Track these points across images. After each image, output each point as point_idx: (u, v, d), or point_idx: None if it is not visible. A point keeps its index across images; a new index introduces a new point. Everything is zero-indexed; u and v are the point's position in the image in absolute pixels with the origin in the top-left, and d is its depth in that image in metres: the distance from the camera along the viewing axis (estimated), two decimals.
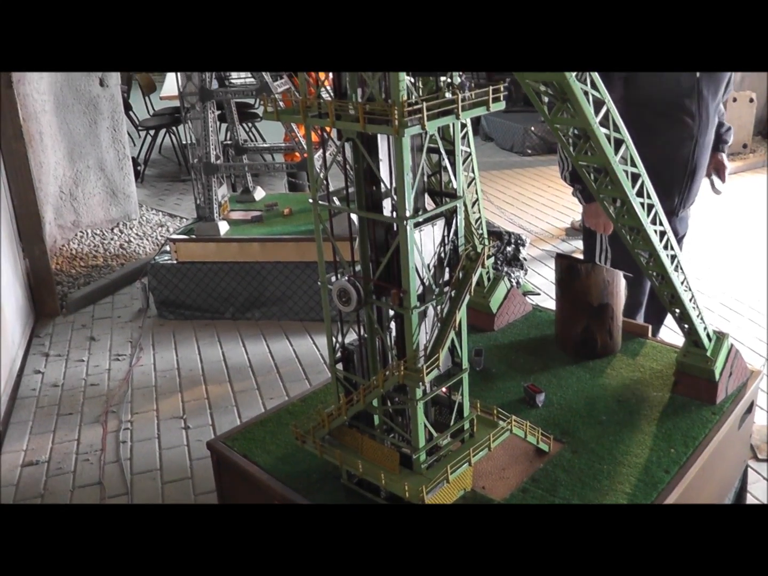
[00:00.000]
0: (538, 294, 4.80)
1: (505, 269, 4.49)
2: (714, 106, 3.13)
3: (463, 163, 2.34)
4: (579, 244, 6.08)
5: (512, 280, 4.45)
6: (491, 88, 1.61)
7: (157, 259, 5.00)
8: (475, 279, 1.78)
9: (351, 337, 2.02)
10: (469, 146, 2.36)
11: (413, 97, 1.59)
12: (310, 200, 1.79)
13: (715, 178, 3.43)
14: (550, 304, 4.24)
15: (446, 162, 1.71)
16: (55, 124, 5.83)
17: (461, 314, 1.81)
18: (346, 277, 1.81)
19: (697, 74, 3.01)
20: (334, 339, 2.00)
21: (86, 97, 6.10)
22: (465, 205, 2.43)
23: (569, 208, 6.92)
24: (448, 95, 1.67)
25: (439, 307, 1.83)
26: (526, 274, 4.72)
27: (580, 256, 5.91)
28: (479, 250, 1.84)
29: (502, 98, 1.65)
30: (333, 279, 1.88)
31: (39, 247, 4.94)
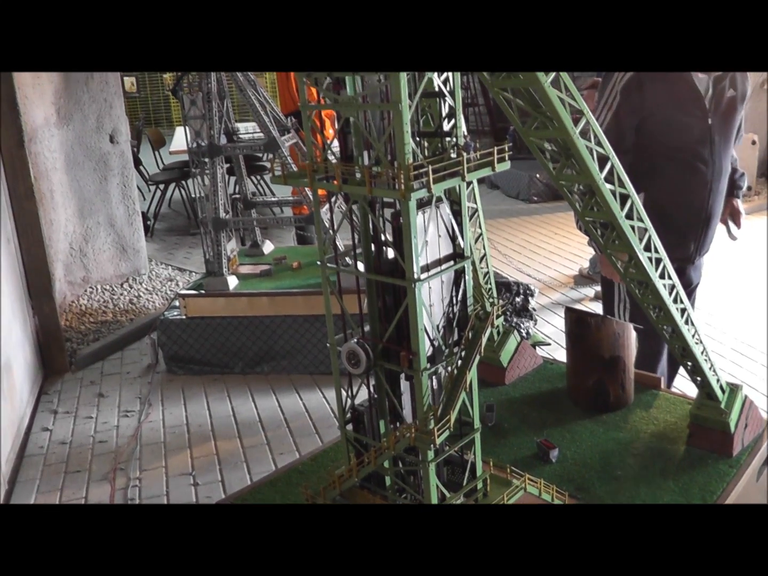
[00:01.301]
0: (549, 344, 4.78)
1: (515, 320, 4.47)
2: (726, 152, 3.12)
3: (470, 219, 2.34)
4: (588, 291, 6.07)
5: (522, 331, 4.43)
6: (496, 148, 1.62)
7: (166, 314, 5.01)
8: (484, 339, 1.77)
9: (362, 393, 2.00)
10: (475, 202, 2.37)
11: (419, 158, 1.60)
12: (319, 262, 1.79)
13: (731, 224, 3.40)
14: (561, 353, 4.21)
15: (453, 222, 1.72)
16: (66, 181, 5.91)
17: (472, 374, 1.80)
18: (355, 339, 1.80)
19: (709, 120, 3.00)
20: (344, 400, 1.99)
21: (96, 154, 6.19)
22: (473, 262, 2.43)
23: (577, 255, 6.93)
24: (453, 155, 1.69)
25: (449, 368, 1.82)
26: (535, 324, 4.71)
27: (590, 304, 5.92)
28: (488, 309, 1.84)
29: (507, 158, 1.66)
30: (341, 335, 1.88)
31: (48, 304, 4.96)
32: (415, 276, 1.61)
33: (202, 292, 4.92)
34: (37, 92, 5.55)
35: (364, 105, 1.60)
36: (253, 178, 8.78)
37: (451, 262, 1.75)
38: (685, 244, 3.17)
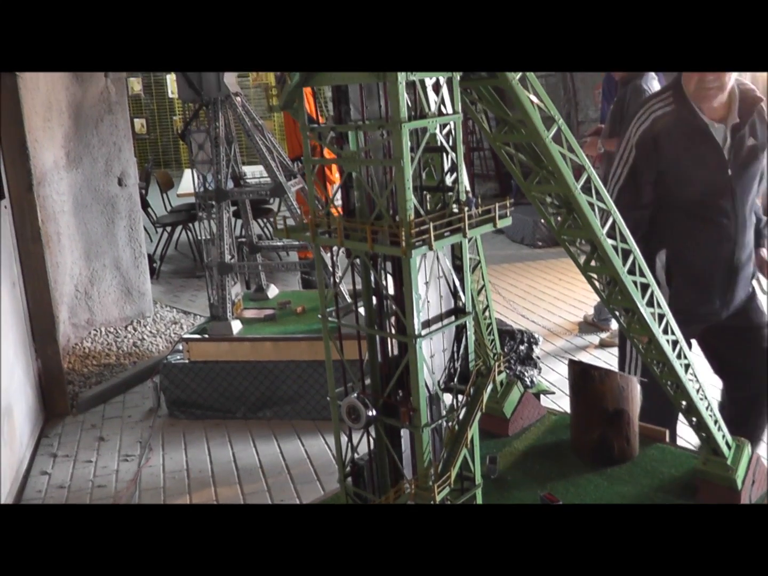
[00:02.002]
0: (553, 393, 4.74)
1: (519, 368, 4.45)
2: (749, 203, 3.01)
3: (473, 271, 2.34)
4: (593, 338, 6.05)
5: (526, 379, 4.40)
6: (497, 204, 1.62)
7: (169, 358, 5.00)
8: (486, 396, 1.75)
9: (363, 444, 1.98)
10: (478, 253, 2.37)
11: (421, 211, 1.61)
12: (320, 316, 1.79)
13: (760, 276, 3.24)
14: (566, 401, 4.18)
15: (455, 277, 1.72)
16: (73, 224, 5.95)
17: (473, 431, 1.78)
18: (356, 394, 1.79)
19: (729, 172, 2.90)
20: (344, 453, 1.97)
21: (104, 196, 6.24)
22: (476, 313, 2.43)
23: (581, 302, 6.91)
24: (455, 209, 1.69)
25: (450, 423, 1.80)
26: (540, 372, 4.68)
27: (595, 352, 5.89)
28: (491, 364, 1.83)
29: (508, 214, 1.67)
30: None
31: (52, 347, 4.96)
32: (416, 332, 1.60)
33: (206, 336, 4.91)
34: (48, 135, 5.62)
35: (366, 160, 1.61)
36: (259, 221, 8.83)
37: (453, 318, 1.74)
38: (710, 300, 3.05)
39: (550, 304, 7.06)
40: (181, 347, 5.04)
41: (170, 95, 16.81)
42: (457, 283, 1.74)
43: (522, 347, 4.53)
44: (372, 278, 1.73)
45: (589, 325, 6.27)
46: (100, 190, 6.20)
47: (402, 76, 1.46)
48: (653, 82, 5.22)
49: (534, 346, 4.58)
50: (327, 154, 1.70)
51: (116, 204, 6.33)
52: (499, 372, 1.84)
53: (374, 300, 1.82)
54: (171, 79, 16.03)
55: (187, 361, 4.92)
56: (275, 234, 1.76)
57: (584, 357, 5.67)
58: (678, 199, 2.94)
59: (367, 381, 1.90)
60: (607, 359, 5.54)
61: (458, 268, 1.76)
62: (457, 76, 1.63)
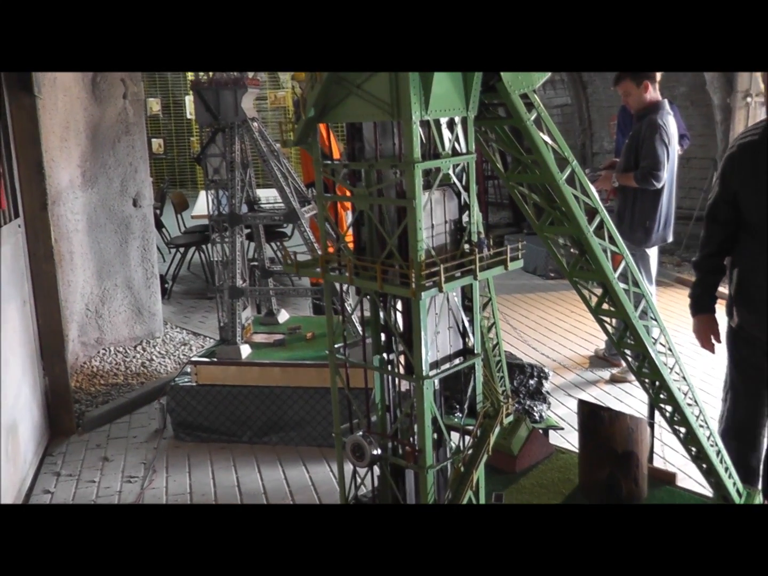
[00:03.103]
0: (562, 428, 4.70)
1: (528, 403, 4.41)
2: None
3: (484, 308, 2.33)
4: (604, 373, 5.99)
5: (535, 414, 4.36)
6: (509, 246, 1.61)
7: (177, 380, 4.99)
8: (493, 438, 1.73)
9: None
10: (489, 291, 2.36)
11: (432, 251, 1.59)
12: (327, 351, 1.77)
13: None
14: (574, 436, 4.13)
15: (464, 317, 1.70)
16: (87, 243, 5.97)
17: (479, 473, 1.75)
18: (361, 432, 1.77)
19: None
20: (347, 490, 1.94)
21: (119, 216, 6.27)
22: (485, 351, 2.41)
23: (593, 335, 6.86)
24: (466, 247, 1.68)
25: (456, 465, 1.77)
26: (549, 407, 4.63)
27: (606, 387, 5.83)
28: (498, 405, 1.80)
29: (520, 256, 1.65)
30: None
31: (60, 365, 4.96)
32: (424, 373, 1.58)
33: (214, 359, 4.90)
34: (64, 155, 5.66)
35: (378, 199, 1.60)
36: (272, 244, 8.85)
37: (462, 359, 1.72)
38: (762, 322, 3.03)
39: (561, 336, 7.02)
40: (189, 370, 5.03)
41: (188, 116, 16.93)
42: (467, 323, 1.72)
43: (532, 381, 4.50)
44: (381, 316, 1.72)
45: (599, 360, 6.22)
46: (115, 210, 6.23)
47: (416, 116, 1.46)
48: (669, 118, 5.22)
49: (544, 381, 4.55)
50: (339, 189, 1.69)
51: (130, 224, 6.36)
52: (507, 414, 1.81)
53: (383, 336, 1.80)
54: (189, 100, 16.18)
55: (194, 383, 4.90)
56: (285, 269, 1.75)
57: (594, 392, 5.62)
58: (745, 221, 3.01)
59: (373, 418, 1.88)
60: (618, 395, 5.49)
61: (468, 309, 1.75)
62: (472, 115, 1.63)
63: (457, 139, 1.64)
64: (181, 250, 8.72)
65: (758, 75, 2.82)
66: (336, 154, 1.71)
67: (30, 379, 4.62)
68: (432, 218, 1.67)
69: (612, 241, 1.77)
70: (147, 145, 6.74)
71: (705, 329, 3.02)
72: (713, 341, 3.08)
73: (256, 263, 5.57)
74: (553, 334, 7.08)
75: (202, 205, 7.45)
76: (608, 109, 10.18)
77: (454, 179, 1.64)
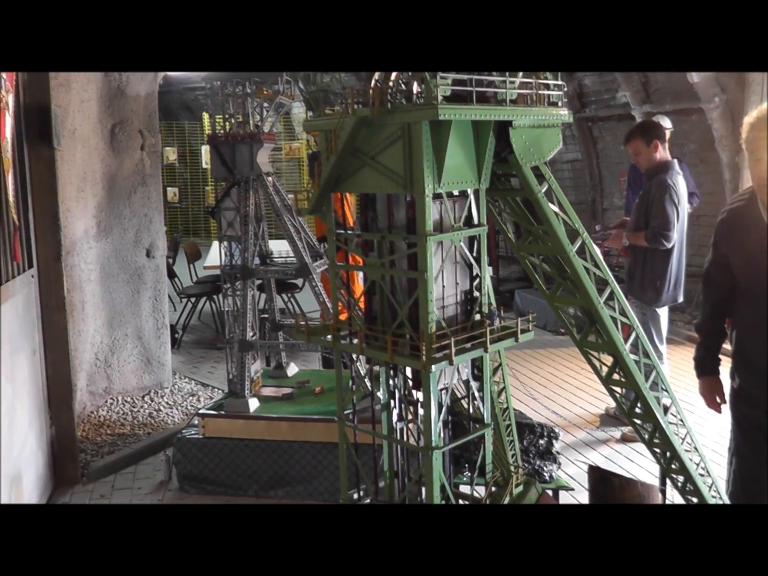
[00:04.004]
0: (572, 489, 4.63)
1: (537, 463, 4.36)
2: None
3: (494, 373, 2.32)
4: (615, 432, 5.92)
5: (545, 474, 4.30)
6: (519, 319, 1.61)
7: (184, 432, 4.96)
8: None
9: None
10: (499, 356, 2.35)
11: (443, 323, 1.60)
12: (336, 418, 1.77)
13: None
14: (585, 496, 4.06)
15: (474, 389, 1.70)
16: (99, 293, 6.01)
17: None
18: (368, 500, 1.75)
19: None
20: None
21: (132, 267, 6.32)
22: (495, 418, 2.39)
23: (603, 393, 6.78)
24: (477, 317, 1.68)
25: None
26: (559, 467, 4.57)
27: (616, 446, 5.76)
28: (508, 476, 1.79)
29: (530, 328, 1.65)
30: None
31: (67, 415, 4.95)
32: (433, 444, 1.57)
33: (222, 412, 4.88)
34: (80, 205, 5.74)
35: (390, 270, 1.61)
36: (283, 295, 8.88)
37: (472, 429, 1.71)
38: (761, 382, 3.03)
39: (572, 393, 6.96)
40: (196, 422, 5.01)
41: (204, 165, 17.12)
42: (476, 393, 1.72)
43: (542, 441, 4.45)
44: (391, 384, 1.71)
45: (610, 418, 6.15)
46: (128, 260, 6.28)
47: (429, 189, 1.48)
48: (678, 177, 5.25)
49: (554, 441, 4.49)
50: (352, 257, 1.71)
51: (143, 274, 6.40)
52: (518, 484, 1.79)
53: (392, 403, 1.80)
54: (205, 149, 16.39)
55: (201, 436, 4.88)
56: (294, 336, 1.76)
57: (605, 451, 5.55)
58: (739, 284, 3.05)
59: (381, 483, 1.86)
60: (629, 454, 5.43)
61: (477, 378, 1.75)
62: (484, 187, 1.65)
63: (469, 211, 1.66)
64: (193, 300, 8.75)
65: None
66: (350, 221, 1.73)
67: (36, 428, 4.61)
68: (443, 289, 1.68)
69: (623, 312, 1.77)
70: (162, 196, 6.83)
71: (710, 391, 3.09)
72: (718, 402, 3.12)
73: (266, 315, 5.58)
74: (564, 391, 7.03)
75: (215, 255, 7.49)
76: (618, 165, 10.26)
77: (465, 251, 1.66)
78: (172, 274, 8.54)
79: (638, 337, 1.83)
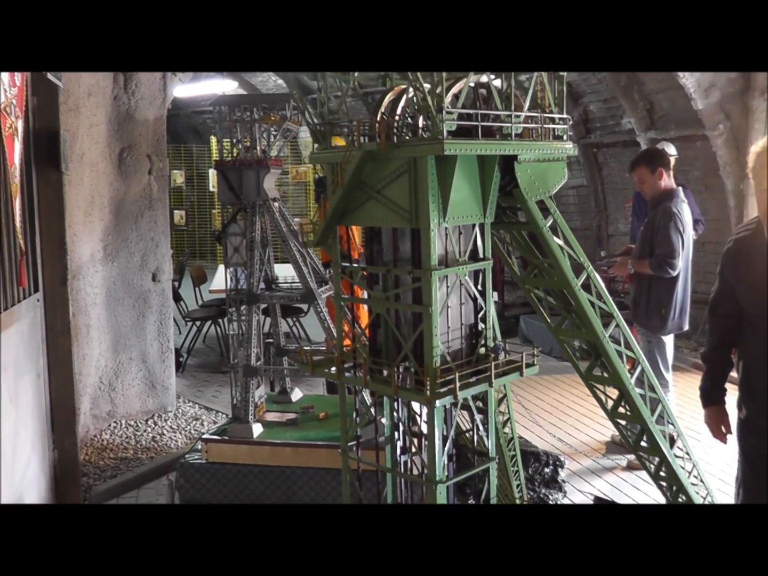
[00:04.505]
0: None
1: (543, 491, 4.34)
2: None
3: (499, 404, 2.31)
4: (621, 460, 5.88)
5: (550, 502, 4.28)
6: (525, 353, 1.61)
7: (187, 457, 4.94)
8: None
9: None
10: (504, 388, 2.35)
11: (447, 357, 1.60)
12: (340, 451, 1.76)
13: None
14: None
15: (478, 422, 1.69)
16: (104, 316, 6.02)
17: None
18: None
19: None
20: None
21: (137, 290, 6.33)
22: (500, 448, 2.38)
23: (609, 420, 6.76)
24: (482, 350, 1.68)
25: None
26: (564, 495, 4.55)
27: (622, 474, 5.71)
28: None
29: (535, 362, 1.65)
30: None
31: (70, 439, 4.93)
32: (438, 477, 1.56)
33: (225, 437, 4.86)
34: (87, 229, 5.77)
35: (395, 303, 1.61)
36: (288, 320, 8.87)
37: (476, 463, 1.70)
38: (764, 416, 3.04)
39: (577, 420, 6.92)
40: (199, 447, 4.99)
41: (211, 188, 17.18)
42: (481, 427, 1.71)
43: (547, 470, 4.43)
44: (395, 416, 1.71)
45: (616, 446, 6.11)
46: (134, 284, 6.30)
47: (434, 223, 1.48)
48: (683, 205, 5.26)
49: (559, 469, 4.48)
50: (357, 290, 1.71)
51: (148, 298, 6.42)
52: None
53: (396, 435, 1.79)
54: (213, 172, 16.46)
55: (204, 461, 4.86)
56: (300, 368, 1.76)
57: (611, 479, 5.51)
58: (745, 314, 3.05)
59: None
60: (635, 482, 5.38)
61: (481, 411, 1.74)
62: (489, 221, 1.65)
63: (474, 244, 1.66)
64: (198, 323, 8.76)
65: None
66: (355, 252, 1.74)
67: (39, 452, 4.59)
68: (448, 322, 1.68)
69: (628, 345, 1.77)
70: (169, 219, 6.86)
71: (715, 421, 3.07)
72: (724, 432, 3.10)
73: (271, 340, 5.58)
74: (569, 417, 6.99)
75: (221, 279, 7.51)
76: (623, 191, 10.28)
77: (470, 285, 1.66)
78: (177, 298, 8.55)
79: (644, 370, 1.83)
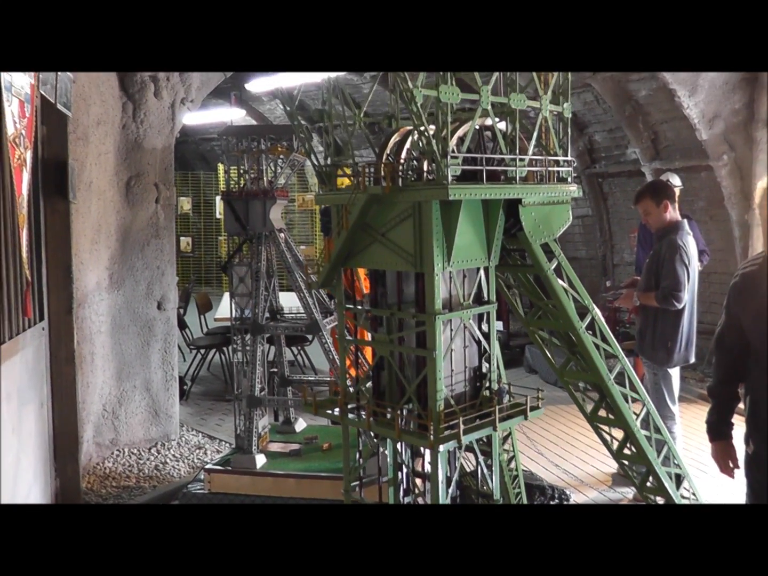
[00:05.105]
0: None
1: None
2: None
3: (504, 441, 2.30)
4: (627, 492, 5.83)
5: None
6: (528, 396, 1.61)
7: (189, 487, 4.93)
8: None
9: None
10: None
11: (451, 401, 1.59)
12: (343, 491, 1.75)
13: None
14: None
15: (482, 464, 1.68)
16: (109, 344, 6.03)
17: None
18: None
19: None
20: None
21: (142, 319, 6.34)
22: (506, 491, 2.37)
23: None
24: (486, 393, 1.68)
25: None
26: None
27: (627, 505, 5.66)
28: None
29: (540, 405, 1.65)
30: None
31: (72, 467, 4.92)
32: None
33: (228, 468, 4.85)
34: (94, 257, 5.79)
35: (398, 347, 1.61)
36: (292, 348, 8.86)
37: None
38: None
39: (583, 452, 6.87)
40: (202, 476, 4.97)
41: (218, 215, 17.23)
42: (485, 469, 1.70)
43: (552, 504, 4.39)
44: (399, 458, 1.70)
45: (622, 477, 6.06)
46: (139, 312, 6.31)
47: (439, 268, 1.49)
48: (688, 237, 5.26)
49: (564, 503, 4.44)
50: (361, 332, 1.71)
51: (153, 326, 6.42)
52: None
53: (399, 476, 1.78)
54: (219, 200, 16.52)
55: (207, 491, 4.84)
56: (304, 408, 1.76)
57: None
58: (752, 348, 3.06)
59: None
60: None
61: (485, 453, 1.73)
62: (494, 264, 1.66)
63: (479, 287, 1.66)
64: (202, 351, 8.75)
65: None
66: (359, 293, 1.75)
67: (41, 481, 4.58)
68: (452, 365, 1.68)
69: (633, 387, 1.76)
70: (175, 247, 6.88)
71: (723, 456, 3.05)
72: (731, 467, 3.08)
73: (275, 370, 5.58)
74: (574, 449, 6.94)
75: (226, 307, 7.52)
76: (628, 221, 10.29)
77: (474, 329, 1.66)
78: (182, 325, 8.56)
79: (649, 413, 1.82)
